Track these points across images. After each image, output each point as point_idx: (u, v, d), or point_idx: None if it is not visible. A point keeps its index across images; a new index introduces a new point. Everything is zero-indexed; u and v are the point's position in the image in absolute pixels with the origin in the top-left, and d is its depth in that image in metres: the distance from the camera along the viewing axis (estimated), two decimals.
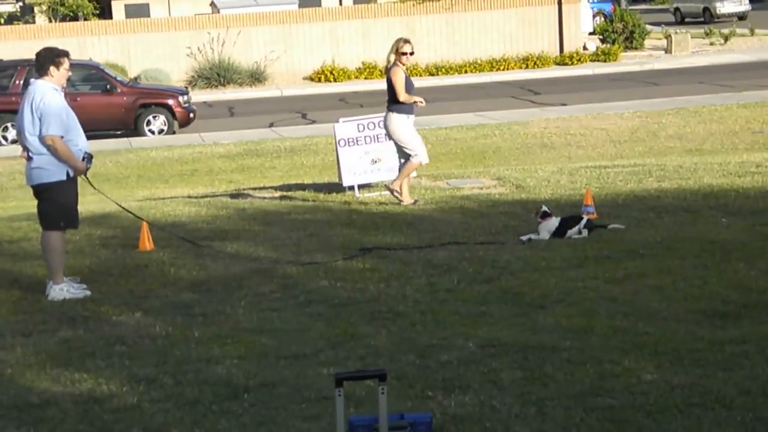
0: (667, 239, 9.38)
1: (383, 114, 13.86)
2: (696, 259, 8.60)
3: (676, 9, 54.97)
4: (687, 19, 52.54)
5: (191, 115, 26.07)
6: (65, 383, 6.42)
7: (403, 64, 12.24)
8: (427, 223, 10.95)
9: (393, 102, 12.24)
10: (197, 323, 7.61)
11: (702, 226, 9.89)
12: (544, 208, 10.06)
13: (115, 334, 7.45)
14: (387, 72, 12.35)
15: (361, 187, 13.29)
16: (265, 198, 13.46)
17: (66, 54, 8.73)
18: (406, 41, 12.35)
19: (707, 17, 51.83)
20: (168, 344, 7.12)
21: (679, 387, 5.73)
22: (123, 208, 10.26)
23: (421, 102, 12.24)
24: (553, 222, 9.88)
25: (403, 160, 12.37)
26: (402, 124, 12.25)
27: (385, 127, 12.46)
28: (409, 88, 12.24)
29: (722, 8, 52.11)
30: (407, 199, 12.21)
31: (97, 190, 9.50)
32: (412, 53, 12.29)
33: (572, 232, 9.80)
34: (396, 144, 12.38)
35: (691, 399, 5.57)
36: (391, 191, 12.25)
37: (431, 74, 35.84)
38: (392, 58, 12.27)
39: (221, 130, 25.79)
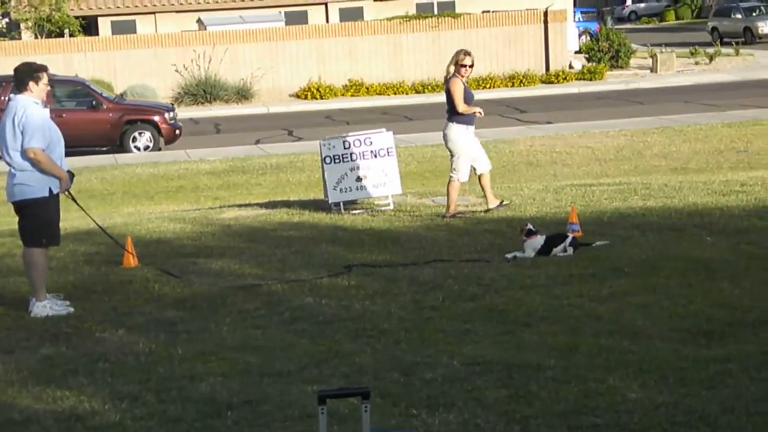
0: (652, 258, 9.39)
1: (371, 131, 13.91)
2: (681, 277, 8.61)
3: (714, 29, 50.43)
4: (725, 39, 47.52)
5: (177, 131, 26.05)
6: (47, 400, 6.37)
7: (463, 76, 12.22)
8: (412, 241, 10.94)
9: (452, 113, 12.28)
10: (181, 340, 7.58)
11: (687, 245, 9.90)
12: (530, 226, 10.07)
13: (98, 351, 7.40)
14: (446, 83, 12.35)
15: (346, 204, 13.28)
16: (250, 215, 13.44)
17: (45, 69, 8.71)
18: (467, 53, 12.30)
19: (748, 37, 48.48)
20: (151, 361, 7.08)
21: (664, 405, 5.72)
22: (103, 230, 10.11)
23: (480, 113, 12.25)
24: (539, 240, 9.88)
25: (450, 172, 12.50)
26: (460, 134, 12.31)
27: (444, 136, 12.48)
28: (468, 98, 12.27)
29: (765, 28, 48.86)
30: (452, 210, 12.29)
31: (81, 207, 9.43)
32: (471, 65, 12.29)
33: (557, 250, 9.81)
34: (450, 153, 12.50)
35: (675, 418, 5.56)
36: (452, 216, 12.17)
37: (417, 92, 35.93)
38: (452, 69, 12.26)
39: (207, 146, 25.77)
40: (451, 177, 12.40)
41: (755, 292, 8.03)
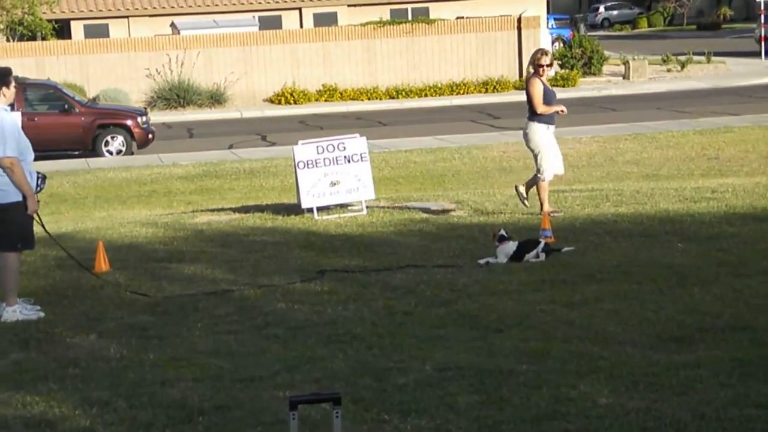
0: (624, 264, 9.43)
1: (345, 136, 13.90)
2: (652, 283, 8.66)
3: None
4: None
5: (150, 135, 25.96)
6: (17, 406, 6.33)
7: (542, 75, 12.16)
8: (385, 246, 10.94)
9: (532, 112, 12.19)
10: (152, 345, 7.55)
11: (658, 251, 9.96)
12: (502, 231, 10.09)
13: (69, 356, 7.36)
14: (525, 83, 12.35)
15: (320, 209, 13.27)
16: (223, 220, 13.41)
17: (11, 72, 8.70)
18: (545, 52, 12.24)
19: None
20: (122, 367, 7.05)
21: (634, 411, 5.75)
22: (68, 253, 9.91)
23: (562, 110, 12.15)
24: (511, 246, 9.91)
25: (535, 171, 12.39)
26: (540, 133, 12.19)
27: (524, 135, 12.40)
28: (549, 98, 12.17)
29: None
30: (547, 208, 12.18)
31: (47, 231, 9.24)
32: (550, 65, 12.22)
33: (530, 256, 9.84)
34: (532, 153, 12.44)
35: (645, 423, 5.58)
36: (549, 213, 11.89)
37: (391, 97, 35.96)
38: (531, 69, 12.23)
39: (180, 151, 25.69)
40: (537, 177, 12.29)
41: (725, 298, 8.09)
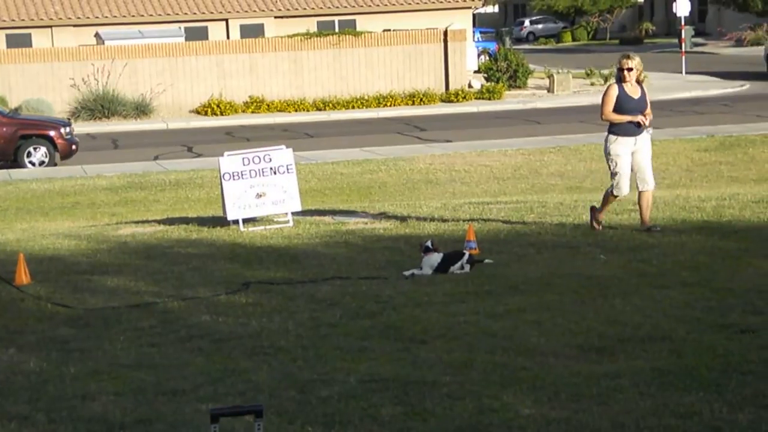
0: (547, 275, 9.53)
1: (271, 148, 13.86)
2: (574, 294, 8.76)
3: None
4: None
5: (73, 146, 25.64)
6: None
7: (625, 81, 11.41)
8: (311, 258, 10.93)
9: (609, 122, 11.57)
10: (73, 359, 7.45)
11: (580, 262, 10.08)
12: (428, 243, 10.13)
13: None
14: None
15: (245, 221, 13.21)
16: (147, 231, 13.29)
17: None
18: (626, 56, 11.55)
19: None
20: (42, 381, 6.95)
21: (556, 421, 5.81)
22: None
23: (643, 122, 11.32)
24: (435, 257, 9.96)
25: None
26: (611, 145, 11.50)
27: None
28: (626, 106, 11.35)
29: None
30: (596, 224, 11.70)
31: None
32: (629, 69, 11.38)
33: (455, 268, 9.89)
34: None
35: None
36: (597, 223, 11.66)
37: (318, 109, 35.97)
38: (614, 74, 11.64)
39: (104, 162, 25.43)
40: (610, 191, 11.67)
41: (645, 308, 8.21)
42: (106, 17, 41.57)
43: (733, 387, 6.25)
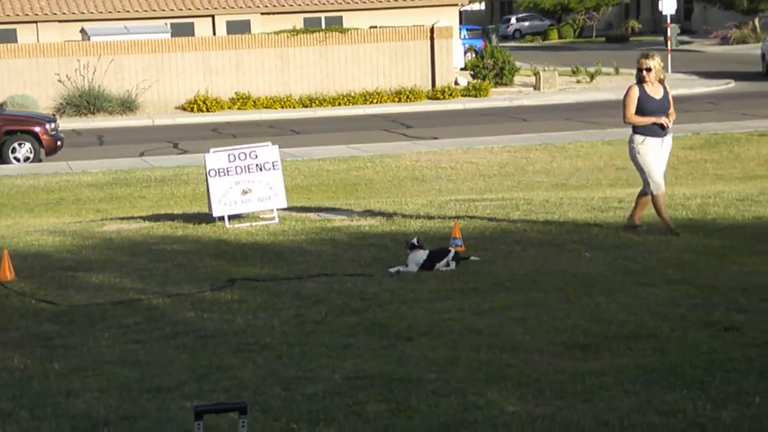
0: (532, 272, 9.54)
1: (257, 144, 13.84)
2: (559, 292, 8.77)
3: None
4: None
5: (59, 142, 25.55)
6: None
7: (645, 82, 11.13)
8: (296, 255, 10.92)
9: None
10: (57, 355, 7.43)
11: (566, 260, 10.09)
12: (414, 240, 10.13)
13: None
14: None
15: (231, 217, 13.19)
16: (132, 228, 13.25)
17: None
18: (644, 56, 11.25)
19: None
20: (26, 377, 6.92)
21: (540, 418, 5.82)
22: None
23: (667, 123, 11.06)
24: (421, 254, 9.96)
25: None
26: (637, 146, 11.24)
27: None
28: (649, 107, 11.09)
29: None
30: (635, 221, 11.40)
31: None
32: (648, 69, 11.08)
33: (440, 265, 9.90)
34: None
35: (551, 430, 5.65)
36: (634, 225, 11.38)
37: (305, 106, 35.93)
38: (636, 74, 11.33)
39: (90, 158, 25.35)
40: (650, 191, 11.28)
41: (630, 306, 8.23)
42: (92, 13, 41.45)
43: (717, 384, 6.27)
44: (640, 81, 11.23)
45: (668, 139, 11.35)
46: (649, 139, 11.19)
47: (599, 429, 5.64)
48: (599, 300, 8.44)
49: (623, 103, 11.31)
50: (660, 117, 11.08)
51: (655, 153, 11.21)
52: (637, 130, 11.26)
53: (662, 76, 11.34)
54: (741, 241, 10.67)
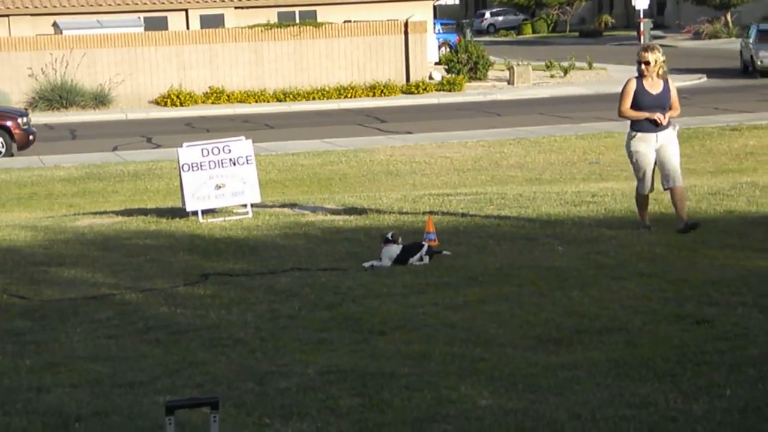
0: (506, 266, 9.56)
1: (230, 139, 13.80)
2: (532, 286, 8.80)
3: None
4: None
5: (31, 137, 25.40)
6: None
7: (644, 76, 10.80)
8: (270, 249, 10.90)
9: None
10: (29, 351, 7.38)
11: (539, 254, 10.12)
12: (388, 234, 10.13)
13: None
14: None
15: (204, 212, 13.14)
16: (105, 223, 13.19)
17: None
18: (645, 49, 10.93)
19: None
20: None
21: (513, 412, 5.83)
22: None
23: (659, 119, 10.71)
24: (395, 249, 9.96)
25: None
26: (630, 141, 11.00)
27: None
28: (644, 101, 10.78)
29: None
30: (645, 221, 11.12)
31: None
32: (647, 63, 10.74)
33: (414, 260, 9.90)
34: None
35: (524, 423, 5.67)
36: (646, 227, 11.03)
37: (279, 100, 35.85)
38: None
39: (62, 153, 25.22)
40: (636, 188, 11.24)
41: (603, 300, 8.26)
42: (64, 6, 41.18)
43: (688, 377, 6.31)
44: (641, 75, 10.94)
45: (671, 135, 10.96)
46: (641, 134, 10.92)
47: (571, 422, 5.66)
48: (572, 294, 8.47)
49: (620, 95, 11.04)
50: (654, 113, 10.79)
51: (647, 149, 10.91)
52: (632, 125, 11.03)
53: (663, 71, 10.97)
54: (713, 234, 10.73)
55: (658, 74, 10.90)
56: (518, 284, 8.87)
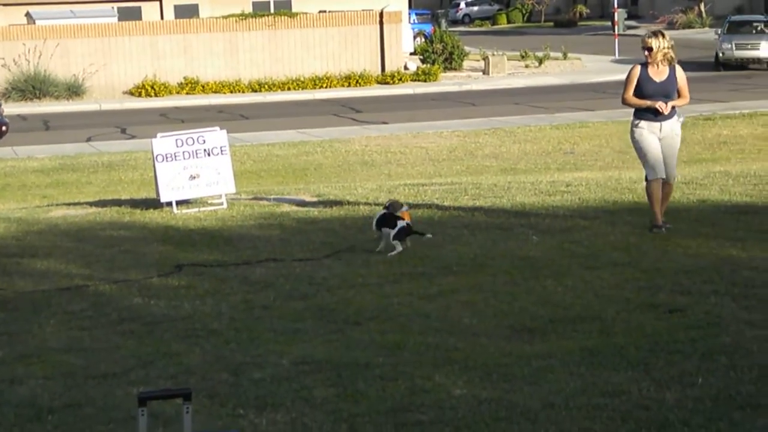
0: (480, 256, 9.58)
1: (204, 129, 13.75)
2: (506, 275, 8.82)
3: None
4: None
5: (3, 128, 25.09)
6: None
7: (650, 63, 10.41)
8: (245, 240, 10.88)
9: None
10: (1, 343, 7.35)
11: (513, 244, 10.14)
12: (388, 203, 10.24)
13: None
14: None
15: (179, 203, 13.10)
16: (79, 214, 13.13)
17: None
18: (649, 35, 10.52)
19: None
20: None
21: (487, 401, 5.85)
22: None
23: (661, 108, 10.31)
24: (380, 212, 10.20)
25: None
26: (634, 129, 10.62)
27: None
28: (647, 89, 10.41)
29: None
30: (658, 221, 10.51)
31: None
32: (650, 49, 10.33)
33: (388, 231, 9.93)
34: None
35: (497, 413, 5.69)
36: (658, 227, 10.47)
37: (254, 90, 35.74)
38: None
39: (35, 143, 25.04)
40: (645, 177, 10.78)
41: (577, 289, 8.30)
42: None
43: (661, 366, 6.35)
44: (645, 62, 10.56)
45: (674, 126, 10.60)
46: (644, 123, 10.52)
47: (545, 411, 5.69)
48: (546, 283, 8.50)
49: (624, 82, 10.73)
50: (657, 101, 10.38)
51: (651, 137, 10.51)
52: (634, 112, 10.66)
53: (671, 57, 10.48)
54: (686, 223, 10.78)
55: (664, 61, 10.49)
56: (492, 274, 8.89)
